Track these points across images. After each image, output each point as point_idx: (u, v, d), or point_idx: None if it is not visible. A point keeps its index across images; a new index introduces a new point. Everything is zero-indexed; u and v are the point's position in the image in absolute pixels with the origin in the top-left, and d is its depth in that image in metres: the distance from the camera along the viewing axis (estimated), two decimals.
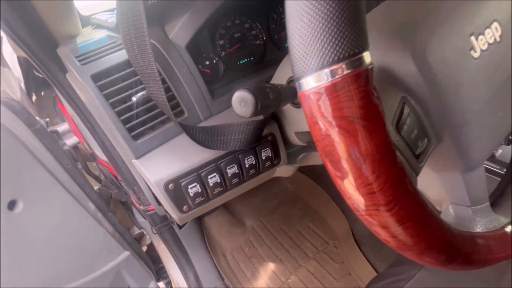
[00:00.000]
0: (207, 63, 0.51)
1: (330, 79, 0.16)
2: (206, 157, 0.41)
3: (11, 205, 0.45)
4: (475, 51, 0.25)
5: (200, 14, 0.43)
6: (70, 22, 0.45)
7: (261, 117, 0.43)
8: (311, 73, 0.16)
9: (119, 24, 0.34)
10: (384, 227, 0.19)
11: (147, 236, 0.89)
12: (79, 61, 0.39)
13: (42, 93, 0.70)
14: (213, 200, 0.44)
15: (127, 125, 0.38)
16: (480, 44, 0.25)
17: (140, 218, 0.84)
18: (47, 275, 0.49)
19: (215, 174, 0.41)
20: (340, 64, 0.15)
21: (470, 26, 0.25)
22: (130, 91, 0.39)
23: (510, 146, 0.36)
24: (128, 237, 0.71)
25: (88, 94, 0.37)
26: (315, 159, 0.57)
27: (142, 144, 0.39)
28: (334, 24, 0.15)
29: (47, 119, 0.58)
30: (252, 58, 0.56)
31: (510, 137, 0.36)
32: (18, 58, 0.59)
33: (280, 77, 0.41)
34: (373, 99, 0.16)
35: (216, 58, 0.52)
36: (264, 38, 0.56)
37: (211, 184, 0.41)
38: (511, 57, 0.28)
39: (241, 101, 0.28)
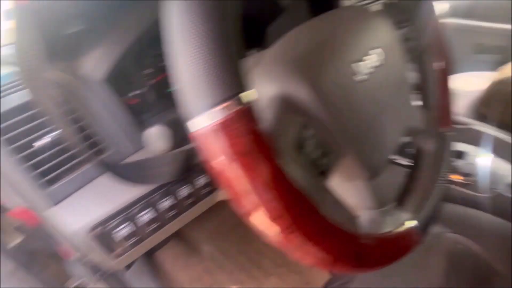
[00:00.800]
0: (136, 92, 0.49)
1: (214, 120, 0.17)
2: (135, 194, 0.39)
3: None
4: (360, 75, 0.29)
5: (117, 45, 0.41)
6: None
7: (191, 145, 0.43)
8: (197, 115, 0.17)
9: (17, 60, 0.31)
10: (294, 249, 0.20)
11: (88, 287, 0.78)
12: None
13: None
14: (149, 238, 0.41)
15: (36, 171, 0.34)
16: (364, 68, 0.29)
17: (77, 268, 0.74)
18: None
19: (147, 210, 0.39)
20: (222, 105, 0.16)
21: (352, 54, 0.29)
22: (40, 132, 0.36)
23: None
24: None
25: None
26: None
27: (58, 189, 0.36)
28: (208, 70, 0.16)
29: None
30: None
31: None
32: None
33: None
34: (257, 134, 0.17)
35: (145, 88, 0.50)
36: None
37: (144, 222, 0.39)
38: (393, 77, 0.33)
39: (155, 136, 0.27)
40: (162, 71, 0.53)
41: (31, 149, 0.34)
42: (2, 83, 0.38)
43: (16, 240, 0.65)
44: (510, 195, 0.65)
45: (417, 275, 0.51)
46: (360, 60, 0.29)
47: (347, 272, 0.23)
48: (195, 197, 0.44)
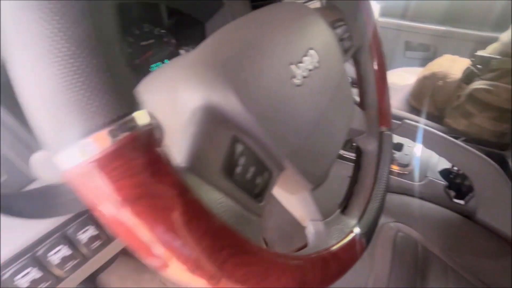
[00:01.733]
0: None
1: (89, 155, 0.12)
2: (44, 227, 0.31)
3: None
4: (297, 79, 0.26)
5: None
6: None
7: None
8: (64, 147, 0.12)
9: None
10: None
11: None
12: None
13: None
14: (68, 279, 0.34)
15: None
16: (300, 71, 0.27)
17: None
18: None
19: (61, 246, 0.32)
20: (99, 133, 0.12)
21: (288, 55, 0.26)
22: None
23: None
24: None
25: None
26: None
27: None
28: (74, 85, 0.11)
29: None
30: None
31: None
32: None
33: None
34: (156, 167, 0.13)
35: None
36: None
37: (57, 262, 0.32)
38: (331, 79, 0.32)
39: (45, 163, 0.21)
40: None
41: None
42: None
43: None
44: (440, 182, 0.72)
45: (365, 267, 0.53)
46: (300, 61, 0.27)
47: None
48: None
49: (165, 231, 0.13)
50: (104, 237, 0.36)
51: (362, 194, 0.35)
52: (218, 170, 0.19)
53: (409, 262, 0.55)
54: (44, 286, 0.31)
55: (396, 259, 0.55)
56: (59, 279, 0.33)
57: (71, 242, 0.33)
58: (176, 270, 0.14)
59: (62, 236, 0.32)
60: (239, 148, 0.21)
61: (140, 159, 0.12)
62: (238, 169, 0.20)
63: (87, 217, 0.34)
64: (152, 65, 0.50)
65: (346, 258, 0.26)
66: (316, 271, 0.22)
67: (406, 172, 0.72)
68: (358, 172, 0.39)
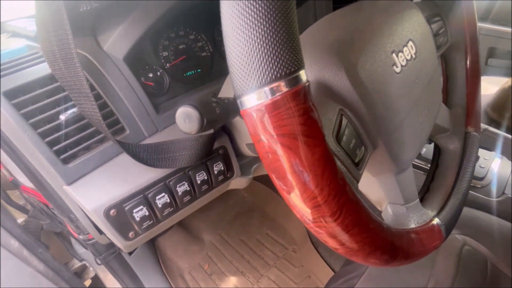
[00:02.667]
0: (151, 75, 0.48)
1: (270, 97, 0.16)
2: (152, 176, 0.38)
3: None
4: (397, 67, 0.28)
5: (138, 24, 0.40)
6: None
7: (210, 131, 0.42)
8: (252, 92, 0.16)
9: (39, 33, 0.30)
10: (332, 236, 0.19)
11: (90, 268, 0.78)
12: None
13: None
14: (163, 222, 0.41)
15: (55, 148, 0.33)
16: (400, 60, 0.28)
17: (80, 249, 0.74)
18: None
19: (163, 194, 0.38)
20: (278, 83, 0.15)
21: (391, 44, 0.28)
22: (58, 109, 0.35)
23: (432, 145, 0.41)
24: (65, 273, 0.61)
25: (1, 114, 0.31)
26: None
27: (74, 167, 0.35)
28: (270, 44, 0.15)
29: None
30: (199, 70, 0.55)
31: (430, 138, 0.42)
32: None
33: (228, 90, 0.41)
34: (312, 115, 0.16)
35: (161, 70, 0.49)
36: (211, 50, 0.56)
37: (159, 206, 0.38)
38: (425, 72, 0.32)
39: (186, 117, 0.26)
40: (178, 55, 0.51)
41: (50, 125, 0.33)
42: (16, 56, 0.37)
43: (21, 218, 0.64)
44: None
45: (424, 274, 0.51)
46: (400, 51, 0.28)
47: (376, 265, 0.22)
48: (210, 184, 0.44)
49: (310, 166, 0.16)
50: (195, 194, 0.42)
51: (441, 190, 0.35)
52: (329, 135, 0.22)
53: (475, 278, 0.52)
54: (148, 224, 0.38)
55: (461, 273, 0.52)
56: (157, 221, 0.40)
57: (171, 192, 0.39)
58: (301, 200, 0.18)
59: (165, 186, 0.39)
60: (344, 121, 0.24)
61: (301, 106, 0.16)
62: (344, 138, 0.23)
63: (184, 174, 0.40)
64: (187, 73, 0.52)
65: (428, 241, 0.27)
66: (403, 242, 0.24)
67: (479, 186, 0.67)
68: (436, 170, 0.38)
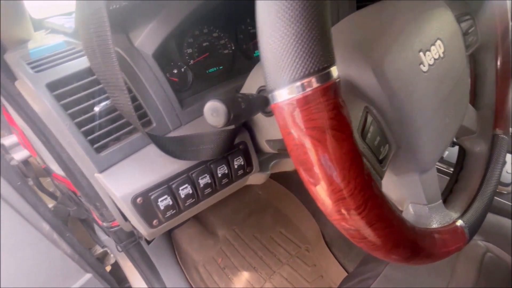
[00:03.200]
0: (175, 71, 0.50)
1: (301, 92, 0.16)
2: (176, 168, 0.40)
3: None
4: (424, 66, 0.28)
5: (167, 22, 0.42)
6: (20, 25, 0.41)
7: (232, 126, 0.43)
8: (284, 86, 0.17)
9: (80, 30, 0.32)
10: (356, 230, 0.20)
11: (111, 255, 0.82)
12: (32, 68, 0.35)
13: None
14: (185, 212, 0.42)
15: (89, 137, 0.36)
16: (427, 59, 0.28)
17: (103, 236, 0.78)
18: None
19: (186, 185, 0.40)
20: (310, 78, 0.16)
21: (419, 43, 0.28)
22: (92, 101, 0.37)
23: (455, 148, 0.40)
24: (89, 257, 0.65)
25: (43, 104, 0.34)
26: (286, 165, 0.59)
27: (106, 157, 0.37)
28: (304, 41, 0.16)
29: None
30: (221, 67, 0.56)
31: (454, 139, 0.41)
32: None
33: (250, 86, 0.42)
34: (342, 110, 0.17)
35: (185, 67, 0.51)
36: (233, 48, 0.57)
37: (182, 196, 0.40)
38: (453, 72, 0.32)
39: (213, 111, 0.28)
40: (202, 53, 0.53)
41: (86, 116, 0.36)
42: (56, 51, 0.40)
43: (50, 203, 0.68)
44: None
45: (443, 279, 0.50)
46: (428, 50, 0.28)
47: (397, 262, 0.23)
48: (230, 178, 0.45)
49: (338, 160, 0.17)
50: (215, 187, 0.43)
51: (465, 192, 0.34)
52: (355, 131, 0.23)
53: (497, 286, 0.50)
54: (171, 213, 0.40)
55: (482, 280, 0.51)
56: (179, 211, 0.41)
57: (193, 184, 0.41)
58: (327, 192, 0.18)
59: (188, 177, 0.40)
60: (370, 118, 0.24)
61: (332, 101, 0.17)
62: (369, 135, 0.24)
63: (206, 167, 0.42)
64: (209, 70, 0.53)
65: (451, 242, 0.27)
66: (425, 240, 0.24)
67: (505, 192, 0.64)
68: (460, 172, 0.38)
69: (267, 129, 0.43)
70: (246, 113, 0.31)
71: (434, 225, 0.29)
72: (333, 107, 0.17)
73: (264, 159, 0.55)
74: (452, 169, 0.59)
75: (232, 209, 1.11)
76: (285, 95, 0.17)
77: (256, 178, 0.53)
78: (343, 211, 0.19)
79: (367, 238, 0.20)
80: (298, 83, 0.16)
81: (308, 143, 0.17)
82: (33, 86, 0.33)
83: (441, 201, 0.31)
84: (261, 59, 0.18)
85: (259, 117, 0.42)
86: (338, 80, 0.17)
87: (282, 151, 0.47)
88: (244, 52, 0.59)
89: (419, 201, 0.30)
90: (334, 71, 0.17)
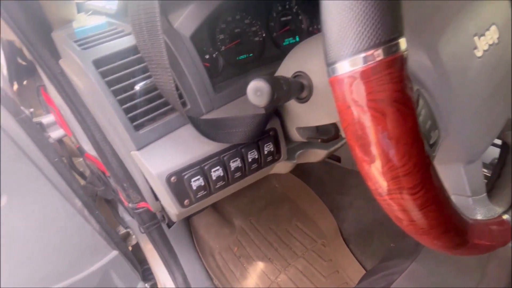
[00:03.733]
0: (207, 57, 0.50)
1: (366, 63, 0.16)
2: (209, 150, 0.40)
3: None
4: (478, 51, 0.27)
5: (206, 6, 0.42)
6: (65, 5, 0.42)
7: (263, 111, 0.43)
8: (347, 58, 0.16)
9: (129, 8, 0.32)
10: (404, 210, 0.20)
11: (133, 237, 0.85)
12: (79, 45, 0.37)
13: (25, 82, 0.65)
14: (214, 195, 0.43)
15: (129, 115, 0.37)
16: (482, 44, 0.27)
17: (126, 217, 0.81)
18: (32, 274, 0.45)
19: (218, 167, 0.41)
20: (377, 49, 0.16)
21: (474, 27, 0.27)
22: (133, 80, 0.38)
23: (497, 143, 0.38)
24: (115, 236, 0.67)
25: (89, 80, 0.35)
26: (312, 156, 0.58)
27: (143, 135, 0.38)
28: (374, 9, 0.15)
29: (31, 109, 0.55)
30: (251, 55, 0.56)
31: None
32: (2, 42, 0.55)
33: (285, 72, 0.41)
34: (408, 84, 0.17)
35: (216, 53, 0.51)
36: (263, 35, 0.57)
37: (214, 178, 0.41)
38: (506, 59, 0.30)
39: (257, 90, 0.28)
40: (233, 39, 0.53)
41: (127, 94, 0.37)
42: (98, 31, 0.41)
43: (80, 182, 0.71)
44: None
45: (473, 281, 0.49)
46: (482, 34, 0.27)
47: (442, 249, 0.22)
48: (259, 164, 0.45)
49: (398, 136, 0.16)
50: (245, 171, 0.44)
51: (509, 188, 0.33)
52: None
53: None
54: (202, 194, 0.41)
55: None
56: (210, 192, 0.42)
57: (224, 166, 0.41)
58: (381, 170, 0.18)
59: (220, 160, 0.41)
60: (421, 101, 0.24)
61: (399, 73, 0.16)
62: (421, 118, 0.23)
63: (237, 151, 0.42)
64: (240, 57, 0.53)
65: (498, 235, 0.26)
66: (474, 232, 0.23)
67: None
68: (502, 168, 0.36)
69: (299, 116, 0.43)
70: (285, 95, 0.31)
71: (479, 217, 0.28)
72: (399, 79, 0.16)
73: (291, 148, 0.55)
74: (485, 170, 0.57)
75: (249, 200, 1.12)
76: (347, 67, 0.17)
77: (282, 166, 0.53)
78: (396, 190, 0.18)
79: (415, 221, 0.20)
80: (363, 54, 0.16)
81: (368, 118, 0.17)
82: (81, 62, 0.34)
83: (485, 194, 0.30)
84: (323, 30, 0.17)
85: (292, 104, 0.42)
86: (406, 52, 0.17)
87: (312, 139, 0.46)
88: (274, 40, 0.59)
89: (463, 193, 0.29)
90: (403, 42, 0.16)
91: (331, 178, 1.09)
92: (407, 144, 0.17)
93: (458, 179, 0.29)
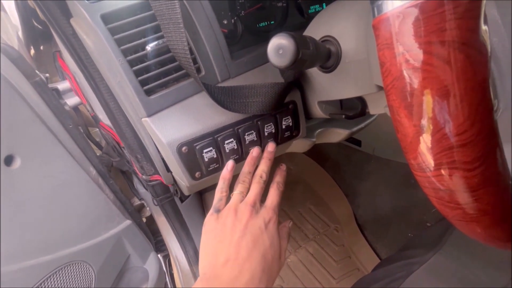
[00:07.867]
0: (225, 22, 0.46)
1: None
2: (223, 120, 0.38)
3: (8, 160, 0.42)
4: None
5: None
6: None
7: (282, 80, 0.39)
8: None
9: None
10: (453, 191, 0.16)
11: (147, 209, 0.86)
12: None
13: (41, 48, 0.65)
14: None
15: (140, 78, 0.34)
16: None
17: (141, 189, 0.82)
18: (46, 237, 0.46)
19: (232, 139, 0.38)
20: None
21: None
22: (144, 39, 0.35)
23: None
24: (129, 206, 0.68)
25: (97, 37, 0.33)
26: (332, 136, 0.54)
27: (154, 100, 0.36)
28: None
29: (47, 75, 0.54)
30: (272, 22, 0.51)
31: None
32: (16, 3, 0.53)
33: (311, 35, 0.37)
34: (483, 25, 0.13)
35: (235, 18, 0.47)
36: (288, 0, 0.52)
37: (227, 150, 0.38)
38: None
39: (280, 47, 0.24)
40: (254, 3, 0.48)
41: (137, 54, 0.34)
42: None
43: (97, 152, 0.72)
44: None
45: (505, 275, 0.45)
46: None
47: (494, 242, 0.18)
48: (276, 139, 0.42)
49: (467, 87, 0.13)
50: (260, 146, 0.41)
51: None
52: None
53: None
54: (214, 166, 0.39)
55: None
56: (222, 166, 0.40)
57: (238, 139, 0.39)
58: (426, 138, 0.14)
59: (234, 132, 0.38)
60: None
61: (473, 6, 0.12)
62: None
63: (253, 123, 0.39)
64: (260, 24, 0.49)
65: None
66: None
67: None
68: None
69: (323, 88, 0.39)
70: (311, 58, 0.27)
71: None
72: (474, 15, 0.12)
73: (311, 125, 0.51)
74: None
75: None
76: (399, 1, 0.13)
77: (300, 144, 0.50)
78: (447, 165, 0.15)
79: (464, 205, 0.16)
80: None
81: (424, 68, 0.13)
82: (88, 16, 0.32)
83: None
84: None
85: (315, 74, 0.38)
86: None
87: (335, 116, 0.42)
88: (298, 7, 0.53)
89: None
90: None
91: (349, 162, 1.05)
92: (472, 105, 0.13)
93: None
